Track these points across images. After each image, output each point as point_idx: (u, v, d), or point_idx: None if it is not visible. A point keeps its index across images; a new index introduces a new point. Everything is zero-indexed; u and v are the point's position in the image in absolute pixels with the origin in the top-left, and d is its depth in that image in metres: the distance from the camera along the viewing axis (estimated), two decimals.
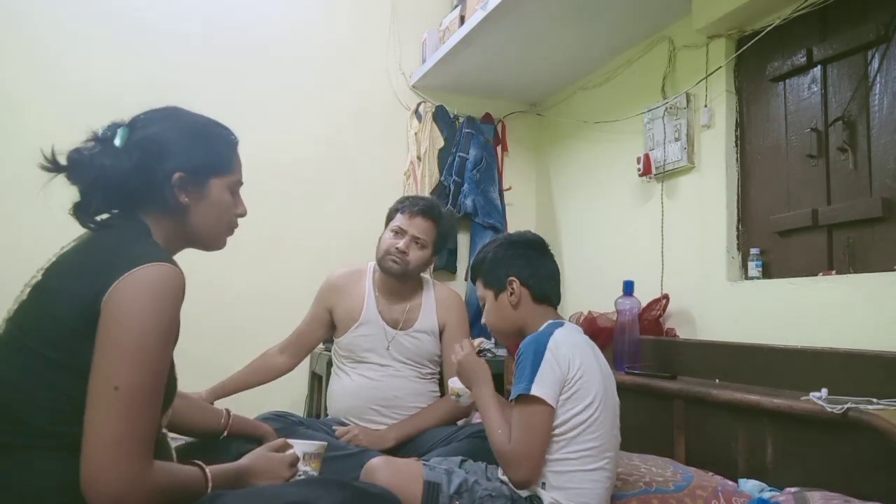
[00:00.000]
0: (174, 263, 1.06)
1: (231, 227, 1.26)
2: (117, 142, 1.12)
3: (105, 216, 1.14)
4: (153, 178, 1.13)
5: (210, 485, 1.10)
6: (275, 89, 2.93)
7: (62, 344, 1.00)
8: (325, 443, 1.47)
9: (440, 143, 3.14)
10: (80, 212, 1.12)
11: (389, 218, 2.06)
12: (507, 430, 1.35)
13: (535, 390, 1.30)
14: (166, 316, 1.01)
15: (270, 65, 2.93)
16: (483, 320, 1.59)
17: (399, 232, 1.98)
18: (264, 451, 1.29)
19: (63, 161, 1.10)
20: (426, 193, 3.04)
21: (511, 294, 1.49)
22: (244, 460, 1.24)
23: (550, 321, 1.46)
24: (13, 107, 2.54)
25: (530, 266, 1.51)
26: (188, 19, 2.81)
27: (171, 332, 1.03)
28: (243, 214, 1.28)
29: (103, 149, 1.12)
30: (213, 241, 1.25)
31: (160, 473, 1.00)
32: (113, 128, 1.15)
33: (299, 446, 1.37)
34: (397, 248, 1.95)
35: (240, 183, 1.26)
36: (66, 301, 1.02)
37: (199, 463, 1.12)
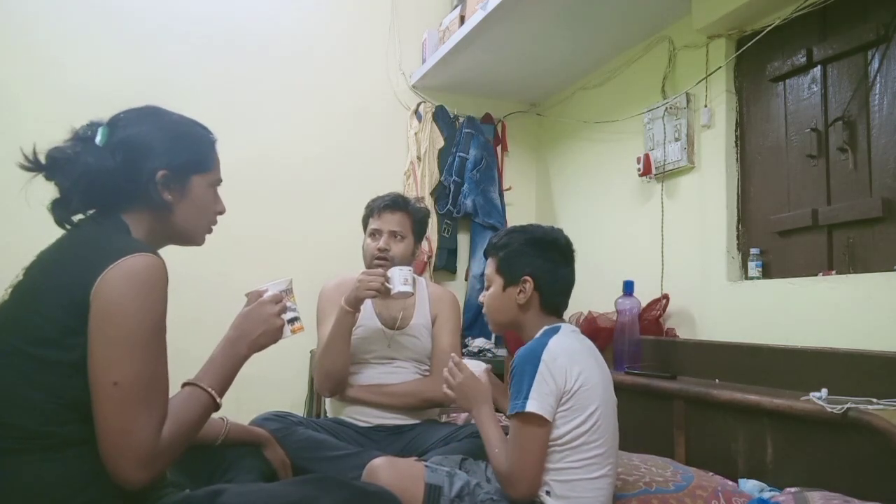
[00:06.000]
0: (156, 253, 1.07)
1: (211, 225, 1.28)
2: (98, 140, 1.12)
3: (82, 216, 1.14)
4: (138, 177, 1.13)
5: (212, 393, 1.11)
6: (275, 89, 2.93)
7: (51, 340, 1.00)
8: (289, 277, 1.38)
9: (440, 143, 3.14)
10: (59, 209, 1.12)
11: (364, 225, 2.07)
12: (504, 448, 1.33)
13: (531, 407, 1.27)
14: (155, 307, 1.03)
15: (270, 65, 2.93)
16: (481, 298, 1.53)
17: (375, 233, 2.01)
18: (243, 311, 1.25)
19: (43, 160, 1.10)
20: (426, 193, 3.04)
21: (520, 293, 1.42)
22: (229, 330, 1.22)
23: (546, 327, 1.41)
24: (10, 106, 2.53)
25: (551, 272, 1.43)
26: (188, 19, 2.80)
27: (161, 322, 1.04)
28: (222, 212, 1.29)
29: (85, 147, 1.12)
30: (193, 237, 1.25)
31: (168, 435, 1.02)
32: (93, 126, 1.15)
33: (272, 286, 1.31)
34: (379, 248, 1.97)
35: (219, 181, 1.27)
36: (54, 297, 1.02)
37: (194, 382, 1.12)
